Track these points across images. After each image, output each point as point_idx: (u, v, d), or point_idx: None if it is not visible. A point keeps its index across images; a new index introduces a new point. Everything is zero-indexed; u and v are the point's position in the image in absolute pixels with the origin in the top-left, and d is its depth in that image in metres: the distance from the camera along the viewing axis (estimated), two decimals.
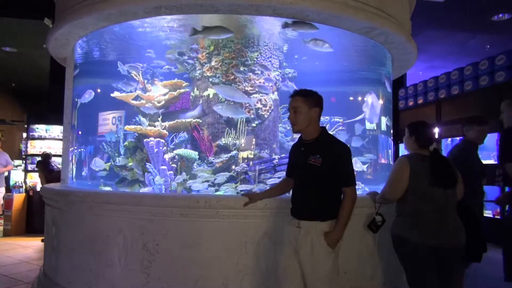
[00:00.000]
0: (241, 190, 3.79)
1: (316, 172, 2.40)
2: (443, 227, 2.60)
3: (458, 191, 2.74)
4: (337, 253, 2.45)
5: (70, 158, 4.54)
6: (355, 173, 2.50)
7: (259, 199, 2.88)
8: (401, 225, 2.74)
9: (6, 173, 8.34)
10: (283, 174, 3.87)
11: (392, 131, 4.90)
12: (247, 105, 4.11)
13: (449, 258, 2.62)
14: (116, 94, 4.38)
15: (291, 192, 2.71)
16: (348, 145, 2.54)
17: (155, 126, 4.24)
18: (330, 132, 2.70)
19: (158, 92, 4.37)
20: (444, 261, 2.61)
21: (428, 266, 2.60)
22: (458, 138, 7.40)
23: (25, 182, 8.68)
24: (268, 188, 3.66)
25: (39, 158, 8.37)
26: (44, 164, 7.18)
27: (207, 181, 3.87)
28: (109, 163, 4.42)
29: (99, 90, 4.39)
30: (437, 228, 2.59)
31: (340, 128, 4.65)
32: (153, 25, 3.87)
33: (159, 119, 4.25)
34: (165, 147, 4.09)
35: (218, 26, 3.57)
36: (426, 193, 2.62)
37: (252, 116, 4.10)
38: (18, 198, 7.20)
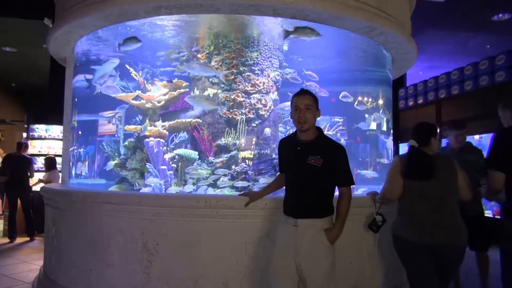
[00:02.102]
0: (240, 189, 3.79)
1: (315, 172, 2.42)
2: (440, 227, 2.59)
3: (462, 191, 2.71)
4: (334, 249, 2.47)
5: (70, 158, 4.54)
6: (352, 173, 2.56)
7: (259, 197, 2.90)
8: (400, 224, 2.76)
9: None
10: None
11: (392, 131, 4.91)
12: (247, 104, 4.11)
13: (448, 257, 2.62)
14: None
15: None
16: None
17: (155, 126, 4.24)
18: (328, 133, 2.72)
19: (158, 92, 4.37)
20: (444, 260, 2.61)
21: (426, 265, 2.60)
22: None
23: None
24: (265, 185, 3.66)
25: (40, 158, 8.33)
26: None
27: (199, 180, 3.87)
28: (85, 161, 4.50)
29: (99, 90, 4.38)
30: (433, 227, 2.59)
31: (340, 128, 4.65)
32: (154, 25, 3.87)
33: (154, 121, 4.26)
34: (165, 147, 4.08)
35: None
36: (419, 191, 2.64)
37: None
38: None
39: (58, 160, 6.96)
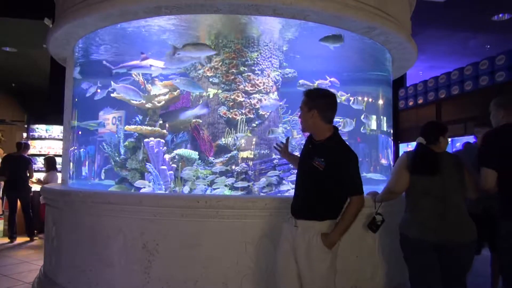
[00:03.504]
0: (240, 189, 3.79)
1: (317, 175, 2.37)
2: (443, 224, 2.57)
3: (469, 189, 2.69)
4: (335, 253, 2.43)
5: (70, 158, 4.54)
6: (361, 180, 2.43)
7: (289, 157, 2.97)
8: (404, 221, 2.78)
9: None
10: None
11: (392, 131, 4.90)
12: (247, 104, 4.11)
13: (453, 256, 2.59)
14: (116, 94, 4.38)
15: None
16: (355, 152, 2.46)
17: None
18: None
19: (158, 92, 4.37)
20: (447, 258, 2.59)
21: (428, 263, 2.59)
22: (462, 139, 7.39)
23: None
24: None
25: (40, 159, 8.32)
26: None
27: (197, 177, 3.88)
28: (85, 161, 4.55)
29: (98, 90, 4.38)
30: (436, 224, 2.58)
31: (340, 128, 4.64)
32: (154, 24, 3.87)
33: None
34: (165, 147, 4.08)
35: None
36: (423, 187, 2.64)
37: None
38: None
39: (58, 160, 6.95)
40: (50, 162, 7.08)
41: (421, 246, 2.61)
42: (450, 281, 2.63)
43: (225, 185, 3.83)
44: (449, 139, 7.95)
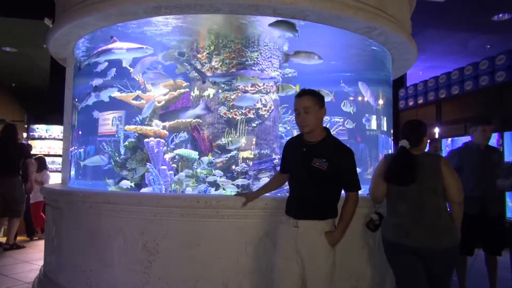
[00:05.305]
0: (240, 187, 3.79)
1: (320, 176, 2.37)
2: (418, 228, 2.54)
3: (449, 192, 2.60)
4: (334, 250, 2.45)
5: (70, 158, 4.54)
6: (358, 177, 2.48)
7: (256, 197, 2.86)
8: (383, 224, 2.81)
9: None
10: None
11: (392, 131, 4.91)
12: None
13: (430, 259, 2.54)
14: (116, 94, 4.37)
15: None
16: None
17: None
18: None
19: (158, 92, 4.37)
20: (427, 262, 2.55)
21: (406, 266, 2.58)
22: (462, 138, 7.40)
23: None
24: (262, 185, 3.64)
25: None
26: None
27: (192, 177, 3.89)
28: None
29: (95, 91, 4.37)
30: (411, 227, 2.56)
31: (340, 128, 4.65)
32: (154, 25, 3.87)
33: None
34: (165, 147, 4.09)
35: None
36: (399, 191, 2.63)
37: None
38: None
39: (58, 160, 6.95)
40: (41, 162, 7.12)
41: (397, 249, 2.62)
42: (431, 281, 2.58)
43: (222, 185, 3.83)
44: (449, 140, 7.93)
